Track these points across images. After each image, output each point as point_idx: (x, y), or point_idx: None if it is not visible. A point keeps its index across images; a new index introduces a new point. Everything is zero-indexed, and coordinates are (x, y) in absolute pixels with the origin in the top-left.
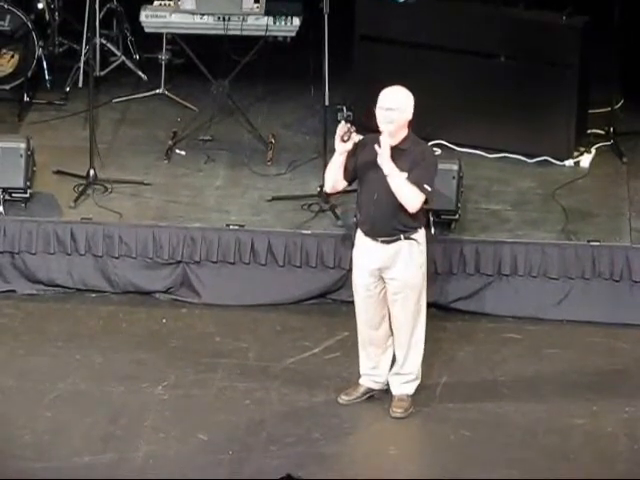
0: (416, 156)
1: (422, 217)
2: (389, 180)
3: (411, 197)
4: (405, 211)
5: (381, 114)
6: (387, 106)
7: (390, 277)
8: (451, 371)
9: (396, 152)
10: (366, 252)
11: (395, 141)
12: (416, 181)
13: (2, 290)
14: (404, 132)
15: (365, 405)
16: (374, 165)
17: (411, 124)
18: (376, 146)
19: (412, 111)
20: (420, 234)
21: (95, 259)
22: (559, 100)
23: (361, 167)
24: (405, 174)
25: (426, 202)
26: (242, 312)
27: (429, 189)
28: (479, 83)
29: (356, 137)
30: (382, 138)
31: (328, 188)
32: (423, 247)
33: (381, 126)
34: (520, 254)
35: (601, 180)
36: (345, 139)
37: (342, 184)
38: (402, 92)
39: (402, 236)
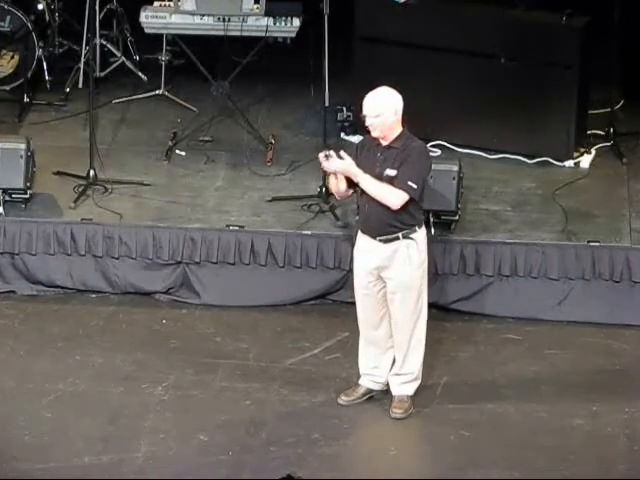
0: (406, 155)
1: (419, 215)
2: (362, 187)
3: (387, 196)
4: (402, 209)
5: (368, 121)
6: (374, 113)
7: (388, 277)
8: (451, 372)
9: (388, 151)
10: (365, 251)
11: (386, 141)
12: (401, 179)
13: (2, 291)
14: (396, 131)
15: (365, 406)
16: (369, 165)
17: (404, 122)
18: (342, 156)
19: (400, 110)
20: (419, 233)
21: (95, 260)
22: (559, 101)
23: (359, 168)
24: (395, 172)
25: (412, 199)
26: (242, 313)
27: (414, 186)
28: (479, 84)
29: (334, 155)
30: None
31: (337, 198)
32: (422, 246)
33: (370, 131)
34: (520, 255)
35: (601, 181)
36: (327, 159)
37: (349, 191)
38: (384, 97)
39: (400, 235)
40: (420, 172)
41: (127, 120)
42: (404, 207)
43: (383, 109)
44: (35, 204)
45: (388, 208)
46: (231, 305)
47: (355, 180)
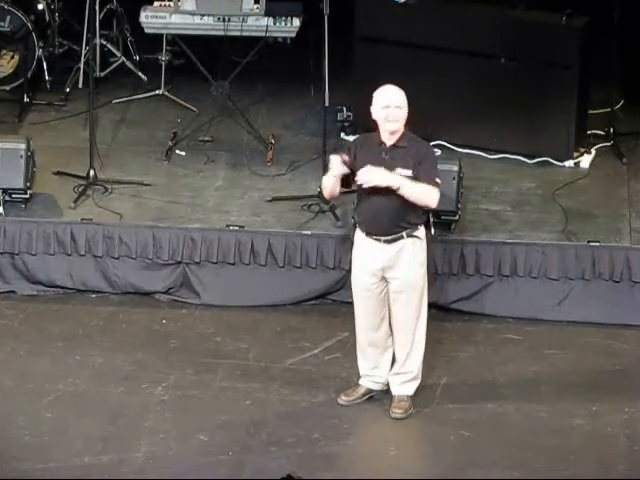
0: (416, 153)
1: (422, 213)
2: (402, 192)
3: (428, 194)
4: (407, 209)
5: (389, 113)
6: (395, 104)
7: (393, 276)
8: (451, 372)
9: (394, 150)
10: (368, 252)
11: (394, 139)
12: (428, 177)
13: (2, 291)
14: (402, 129)
15: (365, 406)
16: (373, 165)
17: (406, 122)
18: (371, 171)
19: None
20: (421, 231)
21: (95, 260)
22: (559, 101)
23: (359, 169)
24: (409, 172)
25: None
26: (242, 313)
27: (439, 182)
28: (479, 84)
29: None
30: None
31: (327, 197)
32: (424, 244)
33: (387, 125)
34: (520, 255)
35: (601, 181)
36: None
37: (339, 190)
38: (400, 90)
39: (404, 234)
40: (437, 168)
41: (127, 120)
42: (410, 206)
43: (404, 101)
44: (35, 204)
45: (399, 210)
46: (231, 305)
47: (396, 186)
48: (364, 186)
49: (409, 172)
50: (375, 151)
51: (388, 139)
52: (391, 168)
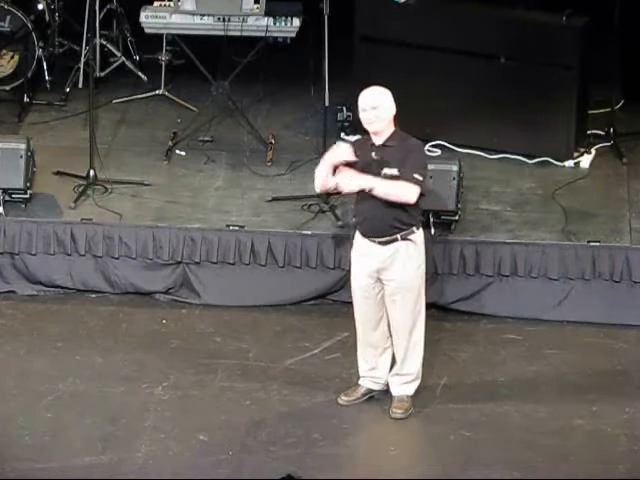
0: (404, 151)
1: (418, 215)
2: (376, 193)
3: (404, 192)
4: (400, 209)
5: (366, 115)
6: (371, 105)
7: (388, 278)
8: (451, 372)
9: (383, 150)
10: (364, 254)
11: (383, 139)
12: (407, 174)
13: (2, 291)
14: (390, 129)
15: (365, 406)
16: (369, 167)
17: (396, 121)
18: (345, 176)
19: (394, 106)
20: (417, 234)
21: (95, 260)
22: (559, 101)
23: (357, 170)
24: (395, 171)
25: (422, 194)
26: (242, 313)
27: (420, 178)
28: (479, 84)
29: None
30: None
31: (319, 188)
32: (421, 247)
33: (367, 127)
34: (520, 255)
35: (601, 181)
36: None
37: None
38: (380, 90)
39: (399, 236)
40: (423, 166)
41: (127, 120)
42: (403, 207)
43: (380, 101)
44: (35, 204)
45: (393, 211)
46: (231, 305)
47: (369, 188)
48: (343, 192)
49: (395, 171)
50: (366, 151)
51: (376, 139)
52: (380, 167)
